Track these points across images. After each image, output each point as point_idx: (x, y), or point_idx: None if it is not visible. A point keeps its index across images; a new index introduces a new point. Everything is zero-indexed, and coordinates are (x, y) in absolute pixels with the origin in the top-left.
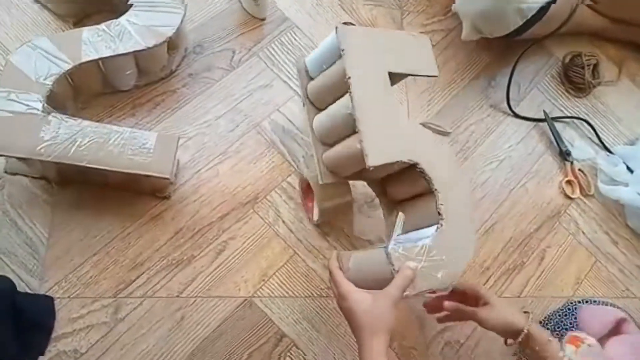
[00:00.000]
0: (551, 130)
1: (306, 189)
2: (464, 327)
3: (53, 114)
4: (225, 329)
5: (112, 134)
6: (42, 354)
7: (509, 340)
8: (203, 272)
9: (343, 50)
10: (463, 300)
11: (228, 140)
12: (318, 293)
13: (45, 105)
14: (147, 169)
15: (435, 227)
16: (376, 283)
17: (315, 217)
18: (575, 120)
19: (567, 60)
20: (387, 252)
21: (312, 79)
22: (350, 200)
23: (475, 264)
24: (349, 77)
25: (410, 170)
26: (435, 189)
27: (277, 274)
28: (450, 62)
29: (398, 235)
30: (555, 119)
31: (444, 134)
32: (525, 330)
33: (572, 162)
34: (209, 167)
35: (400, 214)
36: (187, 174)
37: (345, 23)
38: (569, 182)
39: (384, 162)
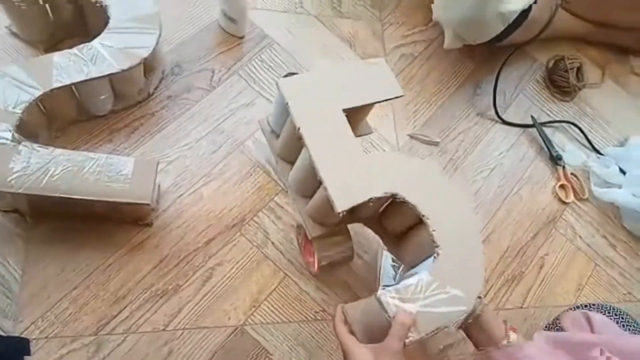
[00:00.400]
0: (540, 135)
1: (305, 241)
2: (468, 342)
3: (24, 143)
4: None
5: (87, 161)
6: None
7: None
8: (190, 302)
9: (287, 103)
10: None
11: (211, 162)
12: (312, 316)
13: (16, 134)
14: (125, 196)
15: (431, 258)
16: (382, 333)
17: (316, 268)
18: (564, 124)
19: (550, 64)
20: (377, 299)
21: (277, 135)
22: (351, 246)
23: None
24: (299, 129)
25: (395, 203)
26: (423, 215)
27: (268, 299)
28: (434, 72)
29: (388, 276)
30: (543, 124)
31: (433, 144)
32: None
33: (564, 167)
34: (192, 191)
35: (384, 251)
36: (169, 199)
37: (287, 75)
38: (562, 187)
39: (353, 204)
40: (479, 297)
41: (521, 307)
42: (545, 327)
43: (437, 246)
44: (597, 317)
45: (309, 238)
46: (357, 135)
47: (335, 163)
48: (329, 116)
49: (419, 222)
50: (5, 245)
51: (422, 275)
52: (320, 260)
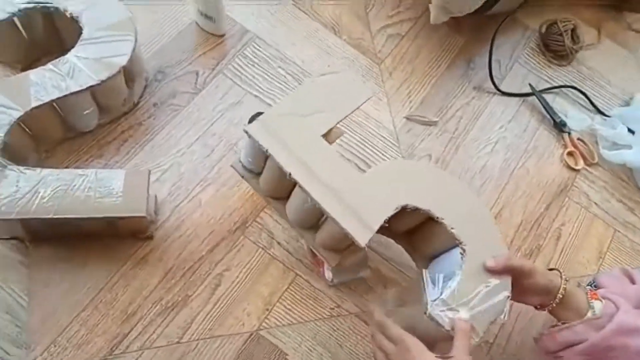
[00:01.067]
0: (541, 103)
1: (314, 257)
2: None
3: (9, 167)
4: None
5: (76, 179)
6: None
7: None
8: (201, 312)
9: (266, 150)
10: None
11: (205, 166)
12: (328, 313)
13: (0, 159)
14: (119, 211)
15: (459, 256)
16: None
17: (330, 276)
18: (564, 89)
19: (543, 29)
20: (429, 316)
21: (257, 173)
22: (367, 268)
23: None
24: (290, 174)
25: (408, 213)
26: (438, 217)
27: (281, 300)
28: (424, 51)
29: (431, 292)
30: (543, 91)
31: (431, 124)
32: (564, 286)
33: (569, 133)
34: (190, 198)
35: (424, 270)
36: (167, 209)
37: (253, 117)
38: (570, 154)
39: (373, 233)
40: (560, 275)
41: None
42: None
43: (461, 243)
44: (636, 271)
45: (331, 266)
46: (332, 142)
47: (339, 198)
48: (311, 148)
49: (429, 218)
50: (8, 273)
51: (457, 277)
52: (334, 281)
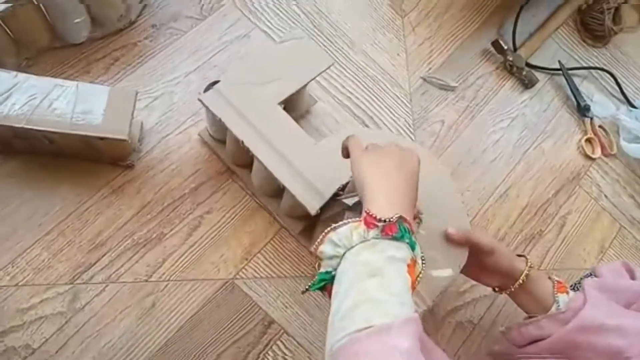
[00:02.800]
0: (568, 82)
1: None
2: (477, 306)
3: None
4: (203, 316)
5: (55, 89)
6: None
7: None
8: (175, 252)
9: (220, 119)
10: None
11: None
12: (310, 272)
13: None
14: (99, 130)
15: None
16: None
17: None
18: (593, 72)
19: (584, 5)
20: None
21: (223, 141)
22: None
23: (489, 233)
24: (242, 142)
25: None
26: None
27: (262, 251)
28: (453, 8)
29: None
30: (572, 69)
31: (448, 88)
32: (527, 271)
33: (591, 119)
34: (180, 131)
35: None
36: (153, 139)
37: (208, 86)
38: (588, 141)
39: (324, 201)
40: (526, 260)
41: (539, 269)
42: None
43: (421, 214)
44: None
45: (294, 233)
46: (303, 110)
47: (292, 166)
48: (267, 117)
49: None
50: None
51: None
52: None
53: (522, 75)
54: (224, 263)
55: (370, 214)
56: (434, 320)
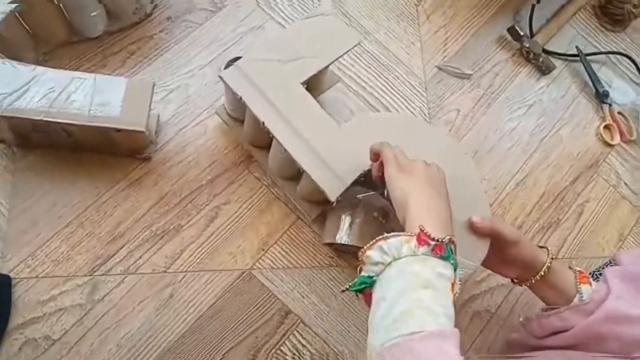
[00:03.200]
0: (586, 68)
1: None
2: (494, 294)
3: (2, 59)
4: (221, 306)
5: (74, 82)
6: None
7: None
8: (193, 243)
9: (240, 98)
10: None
11: (216, 91)
12: (327, 262)
13: None
14: (116, 122)
15: None
16: None
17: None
18: (612, 57)
19: None
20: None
21: (241, 120)
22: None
23: (506, 222)
24: (263, 123)
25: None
26: None
27: (278, 242)
28: None
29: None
30: (590, 55)
31: (464, 76)
32: (549, 263)
33: (610, 105)
34: (196, 123)
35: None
36: (170, 132)
37: (230, 62)
38: (607, 128)
39: (344, 187)
40: (548, 252)
41: (556, 258)
42: (591, 275)
43: None
44: None
45: (310, 218)
46: (325, 89)
47: (313, 149)
48: (289, 97)
49: None
50: None
51: None
52: (344, 239)
53: (539, 61)
54: (241, 254)
55: (425, 232)
56: None
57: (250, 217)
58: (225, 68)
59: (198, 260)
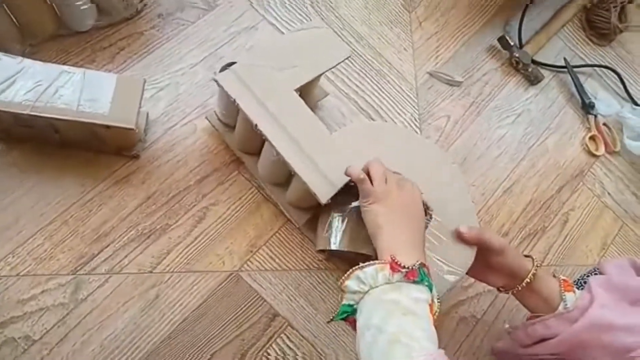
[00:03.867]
0: (573, 80)
1: None
2: (480, 300)
3: None
4: (207, 308)
5: (62, 76)
6: None
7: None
8: (180, 244)
9: (234, 100)
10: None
11: (207, 91)
12: (315, 265)
13: None
14: (105, 118)
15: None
16: None
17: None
18: (598, 70)
19: (590, 4)
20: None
21: (232, 127)
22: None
23: (493, 229)
24: (256, 125)
25: None
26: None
27: (267, 244)
28: (460, 4)
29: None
30: (577, 67)
31: (454, 84)
32: (534, 271)
33: (595, 116)
34: (185, 122)
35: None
36: (158, 130)
37: (224, 67)
38: (592, 138)
39: (335, 191)
40: (533, 260)
41: (541, 265)
42: (575, 283)
43: (428, 208)
44: None
45: (298, 225)
46: (315, 102)
47: (305, 153)
48: (282, 102)
49: None
50: None
51: None
52: (336, 244)
53: (528, 71)
54: (229, 255)
55: (396, 261)
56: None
57: (239, 218)
58: (220, 72)
59: (185, 261)
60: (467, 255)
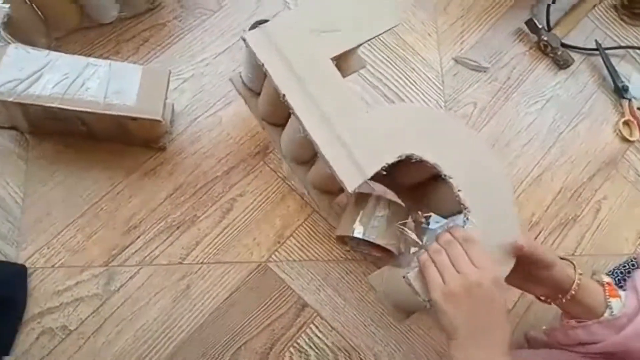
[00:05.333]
0: (605, 63)
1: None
2: (511, 291)
3: (14, 44)
4: (237, 298)
5: (88, 68)
6: (14, 333)
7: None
8: (209, 235)
9: (262, 65)
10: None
11: None
12: (343, 256)
13: (4, 33)
14: (132, 110)
15: (460, 219)
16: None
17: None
18: (632, 52)
19: None
20: (407, 279)
21: (257, 93)
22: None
23: (523, 219)
24: (284, 95)
25: (413, 165)
26: (445, 175)
27: (294, 234)
28: None
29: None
30: (609, 49)
31: (481, 69)
32: (578, 280)
33: (629, 100)
34: (210, 114)
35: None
36: (184, 122)
37: (255, 24)
38: (626, 123)
39: (364, 179)
40: (574, 267)
41: (573, 255)
42: (610, 273)
43: (465, 208)
44: None
45: (319, 210)
46: (350, 73)
47: (335, 133)
48: (316, 72)
49: (437, 175)
50: (4, 165)
51: None
52: (365, 235)
53: (557, 55)
54: (257, 246)
55: None
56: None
57: (265, 209)
58: (250, 29)
59: (214, 252)
60: (507, 262)
